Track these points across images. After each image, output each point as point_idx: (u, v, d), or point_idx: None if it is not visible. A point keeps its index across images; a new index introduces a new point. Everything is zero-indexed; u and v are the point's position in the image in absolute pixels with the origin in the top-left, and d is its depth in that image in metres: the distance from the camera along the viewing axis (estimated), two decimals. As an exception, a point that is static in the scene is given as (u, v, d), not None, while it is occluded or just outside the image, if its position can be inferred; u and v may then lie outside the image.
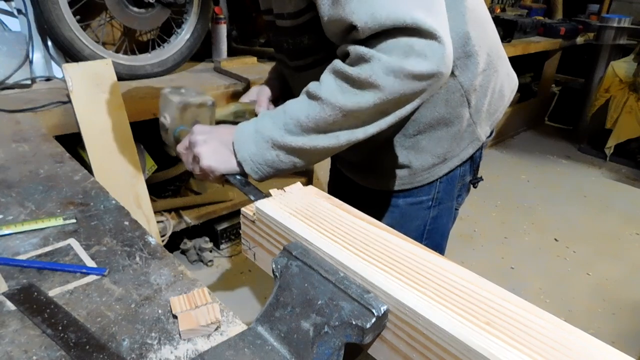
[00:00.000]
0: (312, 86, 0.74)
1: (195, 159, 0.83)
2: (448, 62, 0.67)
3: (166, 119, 0.90)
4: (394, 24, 0.63)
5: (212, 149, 0.81)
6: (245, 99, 1.04)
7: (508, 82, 1.01)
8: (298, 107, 0.74)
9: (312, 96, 0.73)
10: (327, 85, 0.71)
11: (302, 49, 0.87)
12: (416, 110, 0.88)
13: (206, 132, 0.83)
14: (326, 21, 0.71)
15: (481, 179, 1.06)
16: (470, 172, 1.02)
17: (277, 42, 0.93)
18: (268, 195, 0.67)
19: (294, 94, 1.01)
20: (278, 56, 0.98)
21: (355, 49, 0.68)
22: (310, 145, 0.74)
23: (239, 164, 0.80)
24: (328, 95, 0.70)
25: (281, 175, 0.81)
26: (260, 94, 1.03)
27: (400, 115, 0.72)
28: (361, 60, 0.67)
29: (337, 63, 0.71)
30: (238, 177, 0.81)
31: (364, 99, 0.68)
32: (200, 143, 0.82)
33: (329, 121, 0.71)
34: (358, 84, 0.68)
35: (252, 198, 0.71)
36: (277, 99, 1.04)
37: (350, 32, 0.69)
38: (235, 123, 0.83)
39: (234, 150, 0.80)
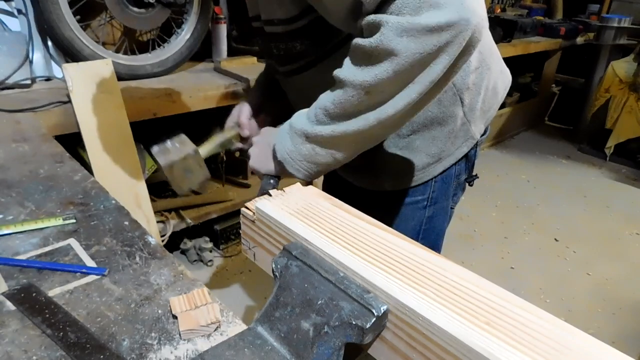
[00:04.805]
0: (335, 72, 0.70)
1: (248, 157, 0.89)
2: (471, 6, 0.58)
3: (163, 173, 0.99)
4: None
5: (259, 150, 0.86)
6: (229, 122, 1.05)
7: (502, 79, 1.01)
8: (325, 96, 0.72)
9: (335, 82, 0.70)
10: (346, 66, 0.68)
11: (293, 54, 0.87)
12: None
13: (262, 134, 0.89)
14: (331, 5, 0.69)
15: (476, 177, 1.05)
16: (465, 170, 1.02)
17: (267, 48, 0.92)
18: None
19: (289, 98, 1.01)
20: (268, 62, 0.98)
21: (366, 20, 0.63)
22: (340, 132, 0.71)
23: (280, 164, 0.79)
24: (348, 75, 0.67)
25: (329, 170, 0.80)
26: (240, 114, 1.02)
27: (430, 79, 0.63)
28: (373, 29, 0.62)
29: (353, 41, 0.66)
30: (272, 181, 0.84)
31: (382, 69, 0.63)
32: (254, 144, 0.88)
33: (354, 102, 0.68)
34: (374, 54, 0.63)
35: None
36: (259, 108, 1.05)
37: (357, 12, 0.65)
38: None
39: (274, 151, 0.80)
